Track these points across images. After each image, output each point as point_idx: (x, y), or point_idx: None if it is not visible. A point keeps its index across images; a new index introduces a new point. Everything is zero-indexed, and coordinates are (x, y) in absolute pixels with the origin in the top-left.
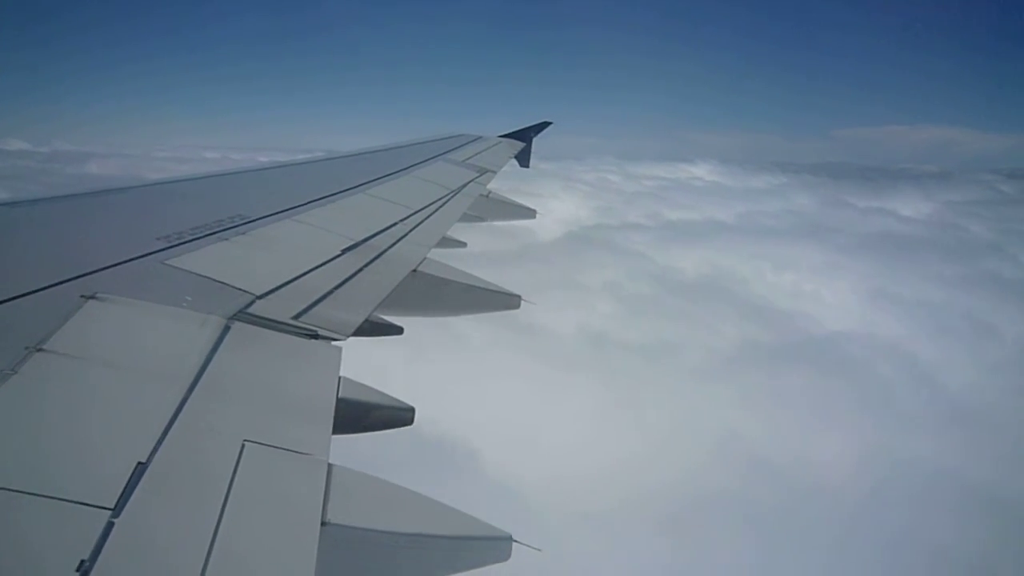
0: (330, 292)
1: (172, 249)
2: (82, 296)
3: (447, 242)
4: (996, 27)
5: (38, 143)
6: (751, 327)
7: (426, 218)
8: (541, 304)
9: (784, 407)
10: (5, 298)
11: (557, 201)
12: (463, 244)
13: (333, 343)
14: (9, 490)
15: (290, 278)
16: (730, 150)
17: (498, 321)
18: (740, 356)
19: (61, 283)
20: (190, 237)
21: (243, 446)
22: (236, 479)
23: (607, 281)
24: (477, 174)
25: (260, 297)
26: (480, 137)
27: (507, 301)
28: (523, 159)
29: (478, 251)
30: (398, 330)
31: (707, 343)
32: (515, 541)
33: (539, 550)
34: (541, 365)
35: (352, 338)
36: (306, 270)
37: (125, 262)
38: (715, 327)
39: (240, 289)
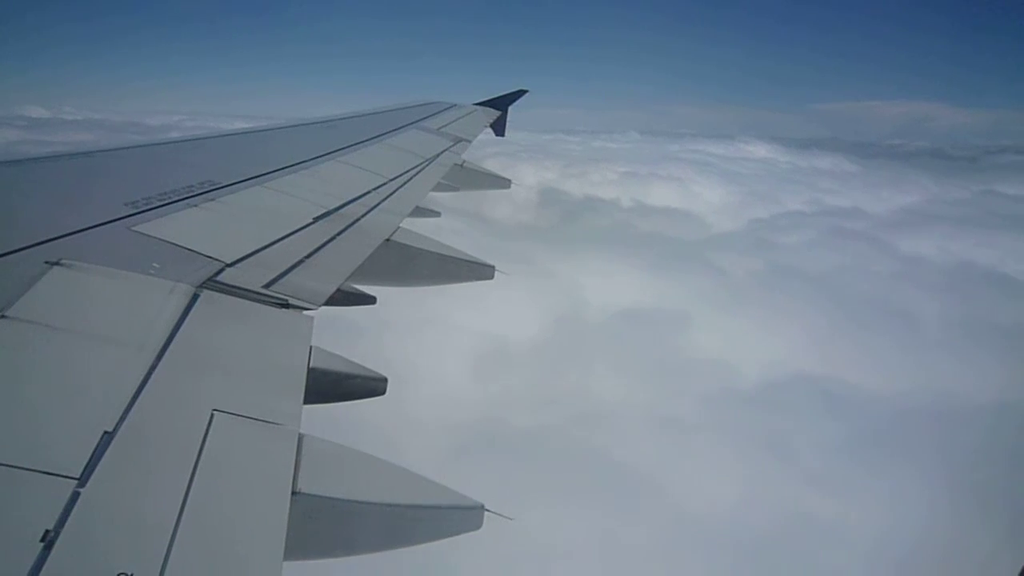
0: (301, 261)
1: (140, 215)
2: (46, 262)
3: (421, 211)
4: (971, 3)
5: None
6: None
7: (400, 187)
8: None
9: None
10: None
11: (699, 186)
12: (437, 214)
13: (304, 312)
14: None
15: (261, 246)
16: (717, 124)
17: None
18: None
19: (25, 248)
20: (158, 203)
21: (212, 415)
22: (205, 449)
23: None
24: (452, 142)
25: (230, 265)
26: (455, 105)
27: (480, 271)
28: (499, 128)
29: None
30: (371, 299)
31: None
32: (487, 510)
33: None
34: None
35: (324, 307)
36: (277, 238)
37: (91, 228)
38: None
39: (209, 257)
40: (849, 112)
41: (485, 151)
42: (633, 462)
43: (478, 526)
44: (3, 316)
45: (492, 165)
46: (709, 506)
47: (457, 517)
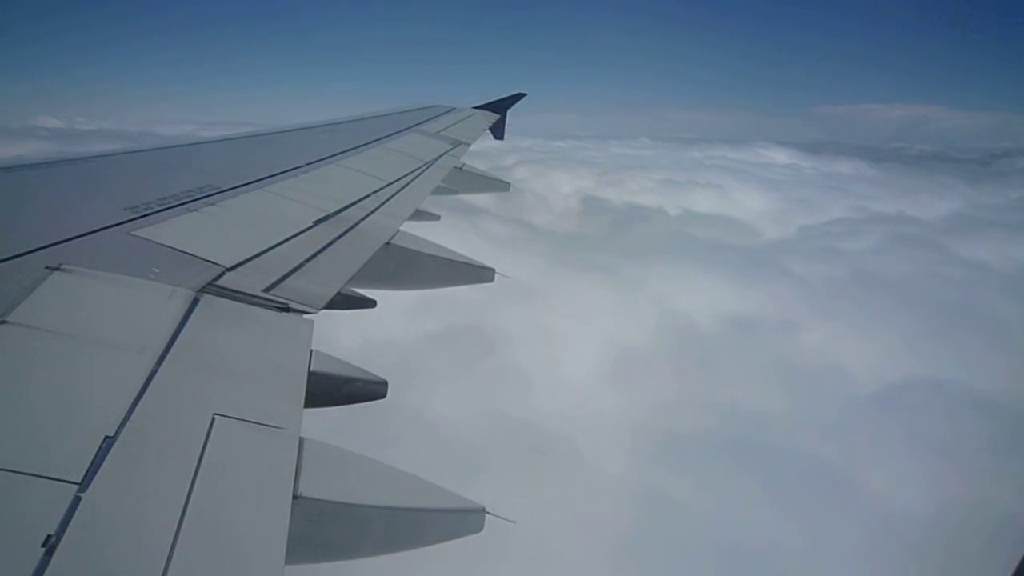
0: (301, 264)
1: (140, 220)
2: (47, 267)
3: (421, 215)
4: (968, 7)
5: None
6: None
7: (399, 190)
8: None
9: None
10: None
11: (738, 193)
12: (437, 217)
13: (305, 316)
14: None
15: (261, 250)
16: (718, 128)
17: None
18: None
19: (25, 254)
20: (158, 208)
21: (213, 420)
22: (206, 453)
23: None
24: (451, 146)
25: (230, 269)
26: (454, 108)
27: (480, 274)
28: (497, 131)
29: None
30: (371, 303)
31: None
32: (488, 513)
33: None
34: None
35: (324, 311)
36: (277, 242)
37: (91, 233)
38: None
39: (209, 261)
40: (847, 115)
41: (511, 159)
42: (822, 465)
43: (479, 529)
44: (4, 321)
45: (522, 173)
46: (913, 504)
47: (458, 520)
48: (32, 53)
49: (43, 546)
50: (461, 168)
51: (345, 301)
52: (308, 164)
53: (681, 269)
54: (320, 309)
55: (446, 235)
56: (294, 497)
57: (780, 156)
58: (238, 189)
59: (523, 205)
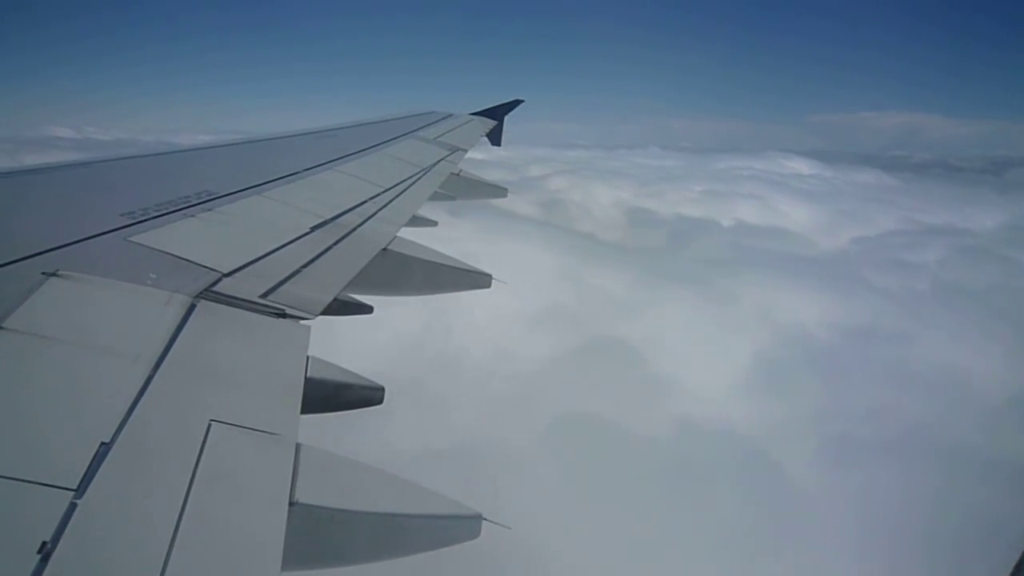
0: (298, 270)
1: (136, 225)
2: (43, 273)
3: (418, 221)
4: (963, 16)
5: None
6: None
7: (397, 196)
8: None
9: None
10: None
11: (781, 204)
12: (434, 223)
13: (301, 322)
14: None
15: (257, 256)
16: (717, 137)
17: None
18: None
19: (21, 260)
20: (155, 213)
21: (209, 426)
22: (202, 460)
23: None
24: (448, 152)
25: (227, 275)
26: (451, 115)
27: (477, 280)
28: (495, 137)
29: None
30: (368, 309)
31: None
32: (485, 519)
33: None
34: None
35: (321, 317)
36: (274, 248)
37: (88, 239)
38: None
39: (206, 267)
40: (842, 124)
41: (536, 170)
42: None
43: (476, 535)
44: (0, 327)
45: (557, 184)
46: None
47: (455, 526)
48: (35, 63)
49: (39, 552)
50: (459, 174)
51: (342, 307)
52: (305, 170)
53: (766, 280)
54: (317, 315)
55: (471, 243)
56: (291, 503)
57: (801, 166)
58: (235, 195)
59: (570, 217)
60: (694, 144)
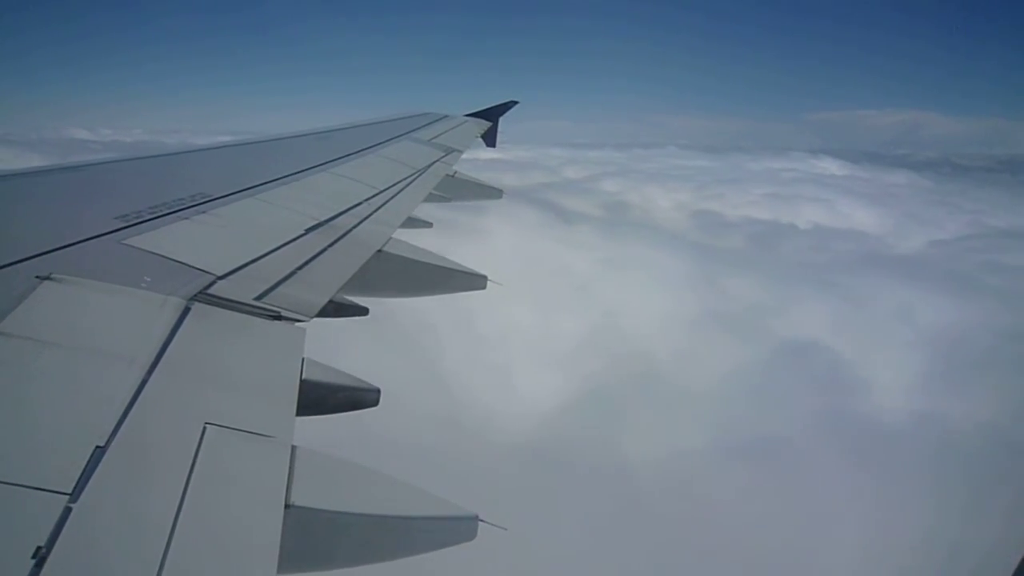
0: (293, 272)
1: (130, 228)
2: (37, 277)
3: (413, 222)
4: (960, 13)
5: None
6: None
7: (391, 198)
8: None
9: None
10: None
11: (844, 207)
12: (429, 224)
13: (296, 324)
14: None
15: (252, 258)
16: (718, 136)
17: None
18: None
19: (15, 263)
20: (149, 216)
21: (204, 429)
22: (197, 463)
23: None
24: (443, 153)
25: (221, 277)
26: (446, 116)
27: (473, 282)
28: (489, 138)
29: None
30: (363, 311)
31: None
32: (481, 521)
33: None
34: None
35: (316, 319)
36: (269, 250)
37: (82, 242)
38: None
39: (200, 269)
40: (840, 121)
41: (571, 172)
42: None
43: (472, 537)
44: None
45: (611, 186)
46: None
47: (451, 528)
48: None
49: (33, 557)
50: (453, 175)
51: (337, 309)
52: (300, 172)
53: (885, 282)
54: (312, 317)
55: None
56: (286, 506)
57: (831, 166)
58: (229, 197)
59: (643, 220)
60: (691, 141)
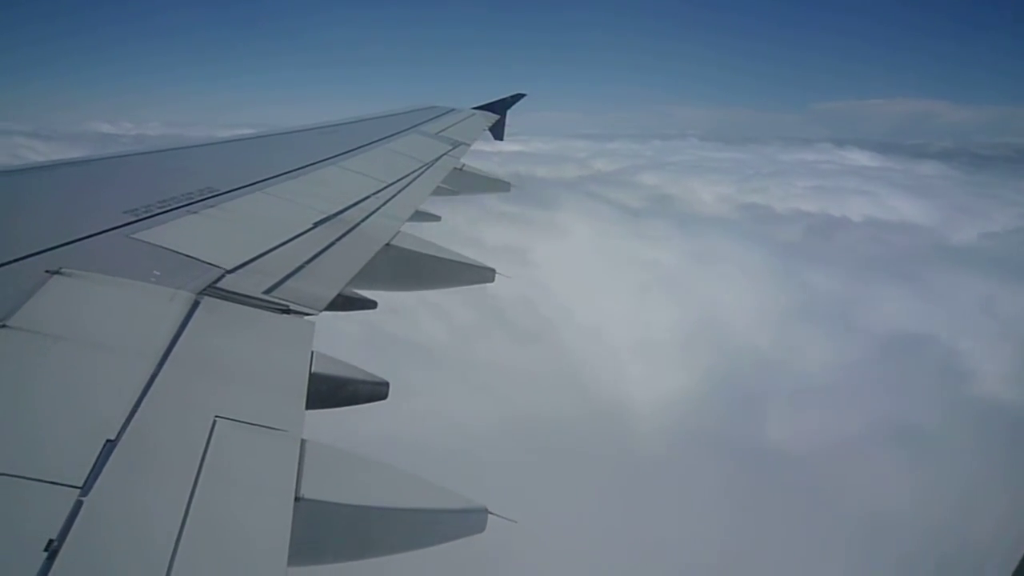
0: (302, 266)
1: (140, 223)
2: (47, 271)
3: (421, 216)
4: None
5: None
6: None
7: (399, 191)
8: None
9: None
10: None
11: (890, 199)
12: (437, 218)
13: (305, 318)
14: None
15: (261, 252)
16: (727, 126)
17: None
18: None
19: (25, 258)
20: (158, 210)
21: (214, 422)
22: (208, 456)
23: None
24: (451, 146)
25: (230, 271)
26: (453, 109)
27: (481, 275)
28: (497, 131)
29: None
30: (371, 304)
31: None
32: (490, 513)
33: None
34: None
35: (325, 312)
36: (277, 244)
37: (91, 236)
38: None
39: (210, 263)
40: (849, 111)
41: (601, 163)
42: None
43: (481, 529)
44: (4, 326)
45: (650, 180)
46: None
47: (460, 520)
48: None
49: (45, 550)
50: (461, 169)
51: (346, 302)
52: (308, 166)
53: (960, 275)
54: (321, 311)
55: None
56: (296, 499)
57: (861, 158)
58: (238, 191)
59: (693, 213)
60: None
